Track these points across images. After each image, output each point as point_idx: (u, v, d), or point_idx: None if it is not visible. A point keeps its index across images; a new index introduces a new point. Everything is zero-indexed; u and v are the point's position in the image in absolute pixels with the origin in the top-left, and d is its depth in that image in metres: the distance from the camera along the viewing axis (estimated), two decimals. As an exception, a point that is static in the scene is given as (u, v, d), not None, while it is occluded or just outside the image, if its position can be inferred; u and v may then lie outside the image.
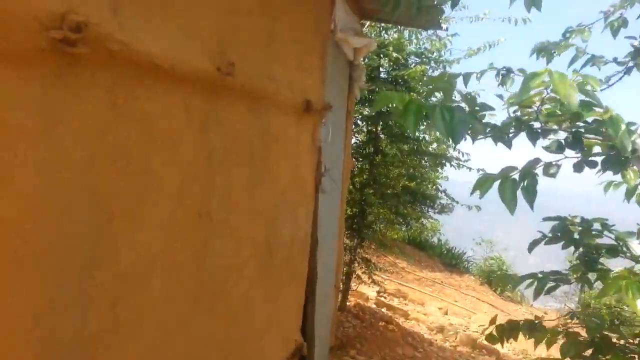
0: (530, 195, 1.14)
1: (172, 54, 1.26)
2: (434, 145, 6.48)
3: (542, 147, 1.43)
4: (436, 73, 5.38)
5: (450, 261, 12.28)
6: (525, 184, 1.15)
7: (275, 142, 2.03)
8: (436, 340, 5.93)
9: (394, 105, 1.20)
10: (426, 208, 6.25)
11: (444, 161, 5.53)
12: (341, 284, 4.95)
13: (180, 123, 1.37)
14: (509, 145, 1.42)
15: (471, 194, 1.25)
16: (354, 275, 5.26)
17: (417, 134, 5.51)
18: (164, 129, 1.30)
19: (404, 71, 4.65)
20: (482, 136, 1.39)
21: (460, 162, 5.49)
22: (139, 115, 1.20)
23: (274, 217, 2.09)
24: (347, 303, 5.43)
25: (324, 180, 2.67)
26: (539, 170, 1.21)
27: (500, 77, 2.00)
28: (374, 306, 6.27)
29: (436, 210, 6.38)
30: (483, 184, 1.19)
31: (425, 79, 4.68)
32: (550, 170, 1.30)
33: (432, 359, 4.67)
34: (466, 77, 1.79)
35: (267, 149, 1.96)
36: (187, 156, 1.43)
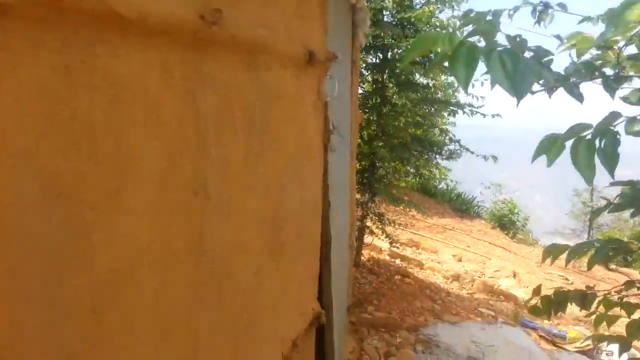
0: (610, 159, 0.89)
1: (141, 2, 1.00)
2: (443, 91, 6.15)
3: (620, 97, 1.16)
4: (443, 15, 4.98)
5: (460, 206, 12.16)
6: (602, 145, 0.90)
7: (276, 102, 1.78)
8: (452, 289, 5.85)
9: (434, 51, 0.94)
10: (434, 155, 6.02)
11: (455, 108, 5.21)
12: (355, 240, 4.80)
13: (157, 86, 1.12)
14: (580, 98, 1.15)
15: (534, 159, 1.01)
16: (367, 230, 5.10)
17: (425, 80, 5.18)
18: (136, 94, 1.05)
19: (410, 13, 4.27)
20: (542, 88, 1.13)
21: (474, 109, 5.17)
22: (102, 80, 0.95)
23: (280, 185, 1.87)
24: (362, 258, 5.31)
25: (332, 138, 2.42)
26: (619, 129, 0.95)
27: (537, 13, 1.71)
28: (387, 258, 6.16)
29: (444, 157, 6.15)
30: (550, 147, 0.94)
31: (434, 20, 4.31)
32: (636, 126, 1.04)
33: (452, 309, 4.57)
34: (496, 14, 1.50)
35: (268, 110, 1.71)
36: (171, 126, 1.19)
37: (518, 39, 1.09)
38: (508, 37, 1.09)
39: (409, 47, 1.03)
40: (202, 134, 1.33)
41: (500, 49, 0.91)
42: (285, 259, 1.98)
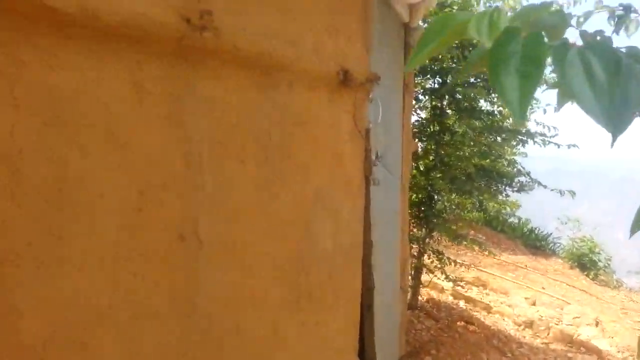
0: None
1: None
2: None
3: None
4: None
5: (534, 243, 11.23)
6: None
7: (301, 127, 1.53)
8: (525, 337, 5.22)
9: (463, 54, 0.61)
10: (503, 187, 5.51)
11: (525, 138, 4.71)
12: (410, 278, 4.40)
13: (125, 105, 0.90)
14: None
15: (633, 232, 0.65)
16: (425, 269, 4.67)
17: (490, 107, 4.75)
18: (89, 115, 0.83)
19: (473, 33, 3.92)
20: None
21: (546, 139, 4.66)
22: (30, 95, 0.74)
23: (305, 224, 1.60)
24: (419, 299, 4.86)
25: (375, 170, 2.13)
26: None
27: (616, 19, 1.37)
28: (450, 299, 5.64)
29: (515, 189, 5.61)
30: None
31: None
32: None
33: (523, 364, 4.01)
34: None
35: (289, 136, 1.46)
36: (146, 155, 0.97)
37: (599, 37, 0.75)
38: (583, 33, 0.74)
39: (419, 42, 0.61)
40: (194, 165, 1.09)
41: (581, 45, 0.57)
42: (312, 310, 1.69)
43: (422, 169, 4.38)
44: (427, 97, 4.52)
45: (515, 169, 5.00)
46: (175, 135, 1.03)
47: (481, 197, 4.80)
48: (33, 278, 0.76)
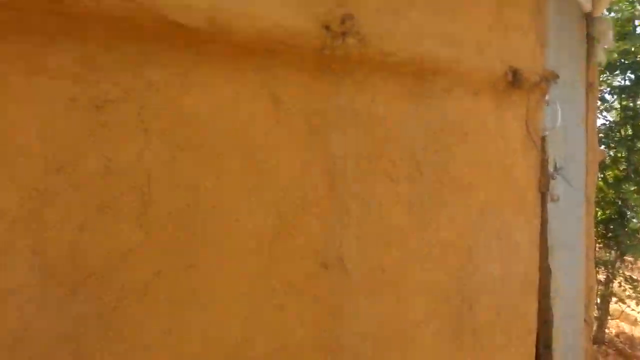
0: None
1: (216, 7, 0.72)
2: None
3: None
4: None
5: None
6: None
7: (462, 138, 1.34)
8: None
9: None
10: None
11: None
12: (595, 308, 3.77)
13: (262, 124, 0.83)
14: None
15: None
16: (613, 298, 3.95)
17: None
18: (222, 136, 0.77)
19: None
20: None
21: None
22: (164, 117, 0.70)
23: (468, 248, 1.39)
24: (606, 332, 4.13)
25: (553, 183, 1.81)
26: None
27: None
28: (647, 334, 4.71)
29: None
30: None
31: None
32: None
33: None
34: None
35: (448, 149, 1.28)
36: (285, 175, 0.88)
37: None
38: None
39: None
40: (338, 185, 0.98)
41: None
42: (478, 350, 1.46)
43: (609, 180, 3.73)
44: (615, 97, 3.85)
45: None
46: (316, 153, 0.94)
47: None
48: (162, 310, 0.72)
